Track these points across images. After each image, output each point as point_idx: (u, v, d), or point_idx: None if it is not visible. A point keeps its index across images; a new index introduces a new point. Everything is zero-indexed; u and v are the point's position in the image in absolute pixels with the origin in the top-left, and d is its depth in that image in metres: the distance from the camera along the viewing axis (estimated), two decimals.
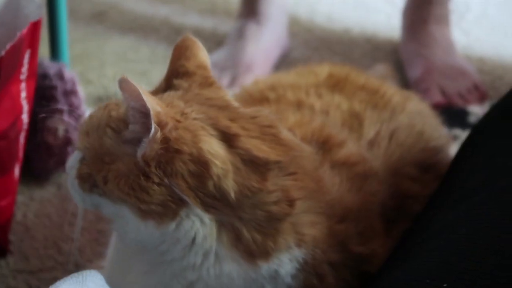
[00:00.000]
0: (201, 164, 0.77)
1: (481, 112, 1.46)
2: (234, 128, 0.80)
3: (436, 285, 0.72)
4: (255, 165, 0.79)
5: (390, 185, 0.94)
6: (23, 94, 1.09)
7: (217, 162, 0.78)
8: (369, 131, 0.98)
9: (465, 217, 0.82)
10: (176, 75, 0.87)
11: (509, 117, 0.97)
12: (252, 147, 0.80)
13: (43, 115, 1.25)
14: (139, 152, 0.78)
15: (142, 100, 0.76)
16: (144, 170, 0.78)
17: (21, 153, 1.14)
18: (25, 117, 1.11)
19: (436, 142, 1.04)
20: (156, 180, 0.77)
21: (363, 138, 0.97)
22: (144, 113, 0.77)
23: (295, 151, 0.83)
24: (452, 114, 1.45)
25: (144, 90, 0.76)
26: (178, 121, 0.78)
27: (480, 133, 1.04)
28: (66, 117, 1.26)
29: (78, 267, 1.13)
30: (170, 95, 0.84)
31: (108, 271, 0.91)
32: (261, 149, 0.80)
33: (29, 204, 1.25)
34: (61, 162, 1.27)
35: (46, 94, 1.26)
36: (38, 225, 1.21)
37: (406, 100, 1.07)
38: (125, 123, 0.79)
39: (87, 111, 1.30)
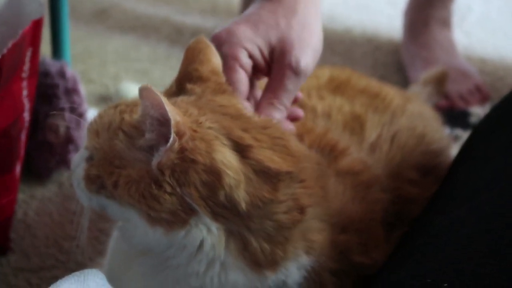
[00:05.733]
0: (214, 174, 0.77)
1: (482, 113, 1.46)
2: (247, 138, 0.79)
3: (436, 285, 0.73)
4: (267, 176, 0.79)
5: (391, 190, 0.94)
6: (25, 92, 1.09)
7: (229, 172, 0.77)
8: (371, 134, 0.98)
9: (466, 218, 0.82)
10: (189, 79, 0.86)
11: (510, 119, 0.97)
12: (264, 158, 0.79)
13: (45, 113, 1.25)
14: (155, 161, 0.77)
15: (164, 109, 0.75)
16: (156, 178, 0.77)
17: (22, 151, 1.14)
18: (26, 115, 1.11)
19: (437, 145, 1.04)
20: (168, 189, 0.77)
21: (364, 141, 0.97)
22: (162, 122, 0.76)
23: (305, 162, 0.82)
24: (453, 115, 1.45)
25: (166, 99, 0.75)
26: (195, 131, 0.78)
27: (481, 134, 1.04)
28: (67, 116, 1.26)
29: (78, 265, 1.13)
30: (183, 100, 0.83)
31: (106, 268, 0.91)
32: (272, 159, 0.79)
33: (30, 202, 1.25)
34: (62, 161, 1.27)
35: (47, 92, 1.26)
36: (39, 224, 1.21)
37: (407, 102, 1.06)
38: (139, 130, 0.78)
39: (88, 109, 1.30)
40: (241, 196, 0.77)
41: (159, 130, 0.77)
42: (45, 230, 1.20)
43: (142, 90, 0.76)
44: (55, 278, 0.79)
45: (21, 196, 1.25)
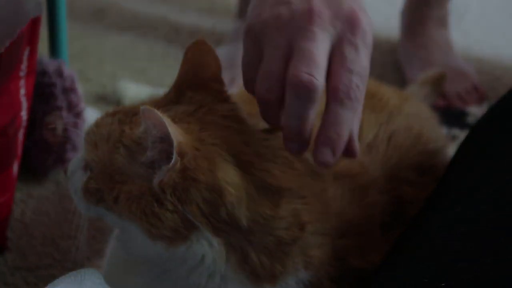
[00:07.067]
0: (216, 192, 0.76)
1: (479, 112, 1.46)
2: (249, 154, 0.79)
3: (434, 285, 0.73)
4: (268, 192, 0.78)
5: (388, 191, 0.94)
6: (22, 91, 1.09)
7: (231, 190, 0.76)
8: (368, 134, 0.97)
9: (463, 217, 0.82)
10: (189, 86, 0.85)
11: (507, 118, 0.97)
12: (266, 174, 0.78)
13: (42, 112, 1.25)
14: (156, 179, 0.76)
15: (166, 129, 0.74)
16: (158, 196, 0.76)
17: (19, 150, 1.14)
18: (24, 114, 1.11)
19: (434, 145, 1.04)
20: (170, 207, 0.76)
21: (361, 142, 0.96)
22: (163, 139, 0.75)
23: (306, 176, 0.82)
24: (450, 115, 1.45)
25: (168, 120, 0.75)
26: (197, 149, 0.76)
27: (478, 133, 1.04)
28: (65, 115, 1.26)
29: (76, 265, 1.13)
30: (184, 112, 0.81)
31: (104, 273, 0.90)
32: (274, 175, 0.79)
33: (27, 201, 1.25)
34: (60, 160, 1.27)
35: (45, 91, 1.26)
36: (36, 223, 1.21)
37: (404, 102, 1.06)
38: (140, 147, 0.77)
39: (86, 108, 1.30)
40: (242, 213, 0.77)
41: (161, 147, 0.76)
42: (42, 229, 1.20)
43: (144, 111, 0.74)
44: (52, 277, 0.79)
45: (18, 195, 1.25)
